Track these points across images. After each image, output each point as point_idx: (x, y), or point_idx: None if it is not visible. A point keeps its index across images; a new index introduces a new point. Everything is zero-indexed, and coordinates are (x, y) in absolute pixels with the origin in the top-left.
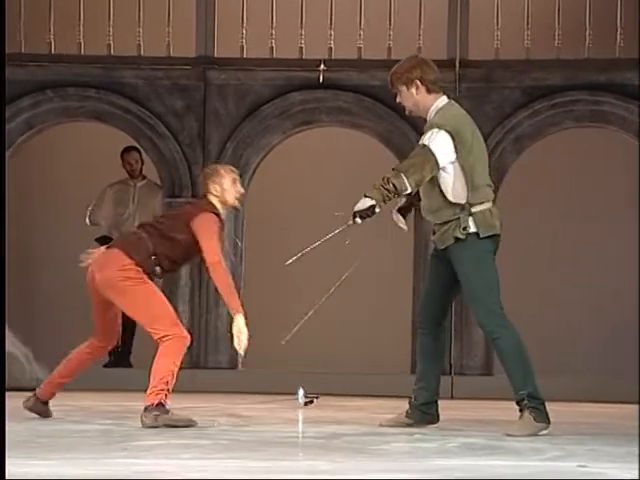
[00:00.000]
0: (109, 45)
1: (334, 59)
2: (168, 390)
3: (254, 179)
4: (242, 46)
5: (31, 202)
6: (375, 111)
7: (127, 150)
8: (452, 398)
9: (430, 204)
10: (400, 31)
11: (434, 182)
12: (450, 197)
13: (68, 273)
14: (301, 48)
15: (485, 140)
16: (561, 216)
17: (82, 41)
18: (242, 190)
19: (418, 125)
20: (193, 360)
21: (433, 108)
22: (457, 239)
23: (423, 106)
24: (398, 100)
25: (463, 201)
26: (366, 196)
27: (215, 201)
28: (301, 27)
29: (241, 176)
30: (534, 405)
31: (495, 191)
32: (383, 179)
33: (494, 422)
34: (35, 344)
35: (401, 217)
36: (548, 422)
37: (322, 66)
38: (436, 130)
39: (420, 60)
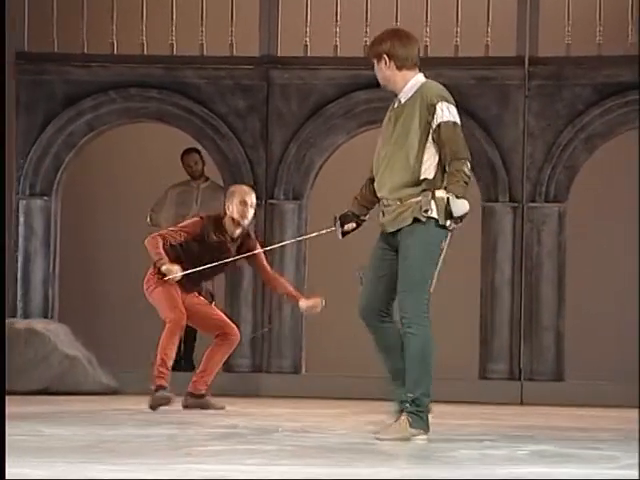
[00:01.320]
0: (172, 45)
1: None
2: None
3: (318, 180)
4: (306, 45)
5: (93, 204)
6: None
7: (187, 152)
8: (521, 404)
9: (396, 179)
10: (468, 28)
11: (413, 156)
12: (425, 175)
13: (130, 275)
14: (366, 46)
15: (556, 139)
16: (633, 215)
17: (145, 41)
18: (248, 210)
19: (485, 122)
20: (256, 364)
21: (412, 83)
22: (415, 221)
23: (393, 81)
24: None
25: (431, 182)
26: (458, 197)
27: (227, 219)
28: (366, 25)
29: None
30: (414, 411)
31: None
32: (459, 172)
33: (565, 429)
34: (99, 348)
35: (340, 225)
36: (426, 430)
37: None
38: (447, 104)
39: (392, 34)
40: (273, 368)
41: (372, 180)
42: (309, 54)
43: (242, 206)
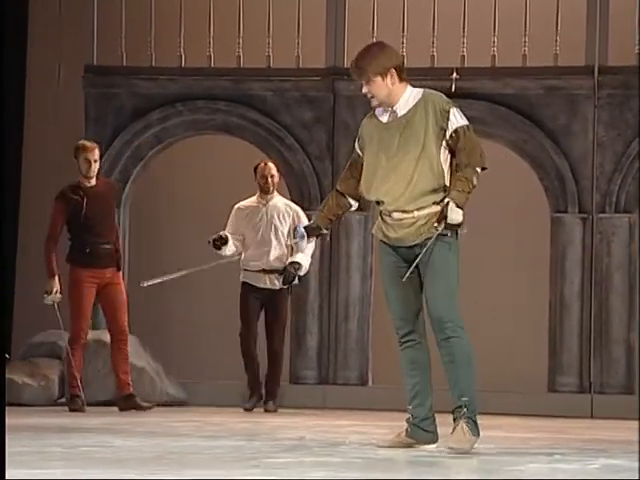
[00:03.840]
0: (238, 57)
1: (467, 67)
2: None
3: None
4: None
5: (159, 215)
6: (509, 120)
7: (265, 162)
8: (592, 417)
9: (418, 188)
10: (536, 37)
11: (435, 162)
12: (446, 181)
13: (197, 288)
14: (433, 57)
15: (625, 149)
16: None
17: (212, 54)
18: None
19: (553, 132)
20: (322, 376)
21: (407, 95)
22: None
23: (394, 95)
24: (366, 91)
25: (447, 189)
26: (458, 206)
27: (80, 177)
28: (433, 35)
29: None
30: (471, 416)
31: None
32: (467, 181)
33: (637, 443)
34: (166, 360)
35: (306, 237)
36: (479, 434)
37: (455, 75)
38: (457, 109)
39: (390, 47)
40: (339, 380)
41: (341, 194)
42: None
43: (86, 164)
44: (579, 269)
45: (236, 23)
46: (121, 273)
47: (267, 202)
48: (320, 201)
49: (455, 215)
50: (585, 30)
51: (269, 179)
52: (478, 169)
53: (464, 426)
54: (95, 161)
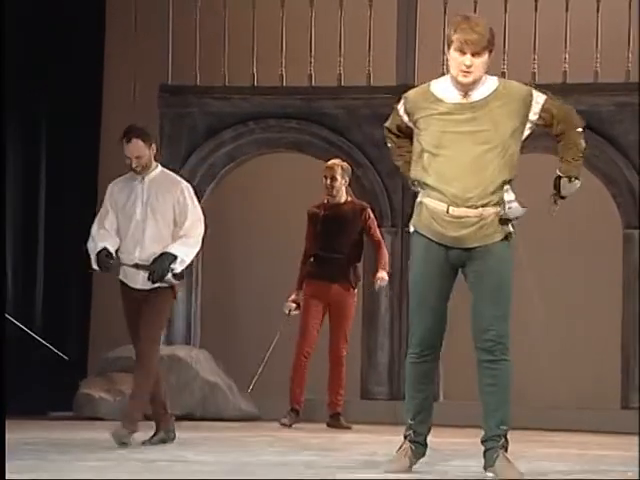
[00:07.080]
0: (310, 76)
1: (538, 84)
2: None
3: None
4: (443, 73)
5: (232, 234)
6: None
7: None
8: None
9: (491, 180)
10: (607, 54)
11: (509, 153)
12: (511, 176)
13: (270, 305)
14: (504, 73)
15: None
16: None
17: (284, 73)
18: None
19: (625, 148)
20: (393, 392)
21: (484, 80)
22: (506, 237)
23: (481, 79)
24: (469, 64)
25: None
26: (576, 178)
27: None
28: (503, 52)
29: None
30: (506, 446)
31: None
32: (574, 146)
33: None
34: (238, 375)
35: None
36: None
37: None
38: (533, 89)
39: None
40: None
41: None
42: None
43: (325, 180)
44: None
45: (307, 42)
46: (354, 292)
47: (144, 176)
48: (391, 218)
49: (571, 189)
50: None
51: (133, 160)
52: (579, 129)
53: (506, 455)
54: (333, 179)
